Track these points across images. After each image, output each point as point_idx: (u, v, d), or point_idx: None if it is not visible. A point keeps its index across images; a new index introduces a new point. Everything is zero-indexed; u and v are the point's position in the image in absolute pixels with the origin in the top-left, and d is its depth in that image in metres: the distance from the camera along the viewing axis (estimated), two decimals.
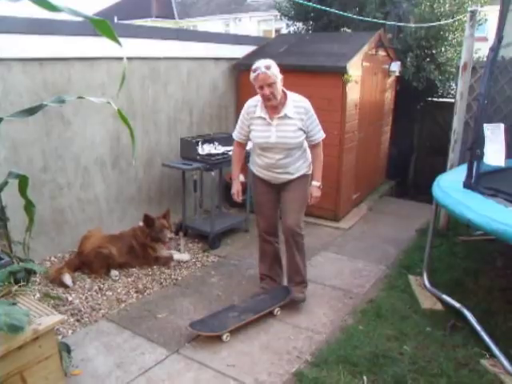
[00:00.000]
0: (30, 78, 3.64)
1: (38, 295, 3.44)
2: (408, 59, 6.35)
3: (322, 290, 3.84)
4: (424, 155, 7.52)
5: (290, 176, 3.42)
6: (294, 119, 3.25)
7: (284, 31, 8.57)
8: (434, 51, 6.44)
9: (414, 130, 7.70)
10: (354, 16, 5.79)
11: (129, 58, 4.39)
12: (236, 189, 3.57)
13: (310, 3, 6.34)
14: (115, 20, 16.01)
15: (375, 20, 5.77)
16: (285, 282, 3.73)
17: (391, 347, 3.05)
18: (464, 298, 3.54)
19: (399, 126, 7.11)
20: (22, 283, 2.43)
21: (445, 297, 3.61)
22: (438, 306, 3.57)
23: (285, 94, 3.30)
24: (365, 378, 2.74)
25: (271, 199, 3.55)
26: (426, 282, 3.85)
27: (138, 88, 4.56)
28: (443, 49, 6.45)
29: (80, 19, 2.02)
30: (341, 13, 5.57)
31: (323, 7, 5.72)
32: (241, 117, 3.43)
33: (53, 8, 1.67)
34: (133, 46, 4.38)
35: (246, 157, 3.72)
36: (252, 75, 3.18)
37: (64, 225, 4.14)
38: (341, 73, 4.83)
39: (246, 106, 3.41)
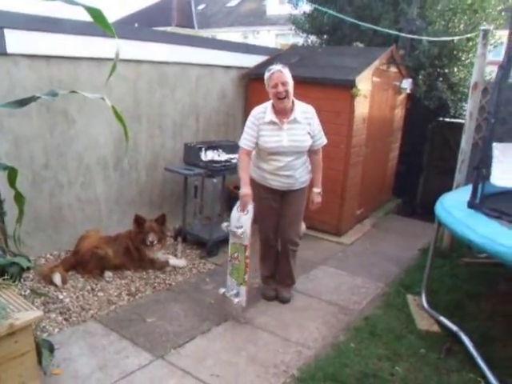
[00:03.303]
0: (36, 74, 3.65)
1: (28, 291, 3.41)
2: (420, 77, 6.29)
3: (317, 304, 3.75)
4: (433, 175, 7.40)
5: (295, 182, 3.45)
6: (302, 123, 3.34)
7: None
8: (446, 70, 6.37)
9: (424, 149, 7.60)
10: (367, 24, 5.75)
11: (137, 61, 4.41)
12: (247, 191, 3.33)
13: (326, 14, 6.34)
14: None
15: (389, 31, 5.73)
16: None
17: (382, 367, 2.94)
18: (463, 322, 3.42)
19: (409, 144, 7.02)
20: (5, 277, 2.39)
21: (442, 319, 3.50)
22: (435, 328, 3.45)
23: (292, 101, 3.36)
24: None
25: (274, 207, 3.58)
26: (424, 303, 3.74)
27: (145, 91, 4.56)
28: (456, 69, 6.39)
29: (87, 19, 2.01)
30: (355, 21, 5.54)
31: (338, 15, 5.70)
32: (248, 124, 3.39)
33: None
34: (142, 50, 4.39)
35: None
36: (266, 74, 3.27)
37: (62, 223, 4.12)
38: (349, 86, 4.78)
39: (253, 112, 3.41)
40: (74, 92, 2.26)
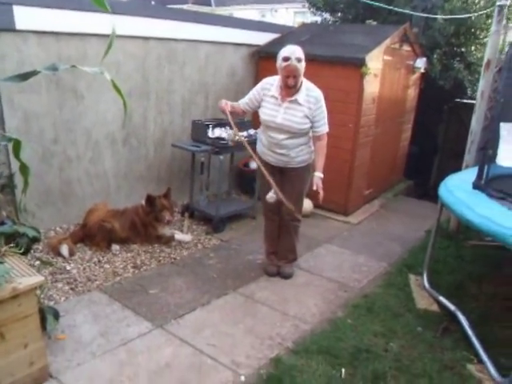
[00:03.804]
0: (45, 50, 3.72)
1: (38, 262, 3.55)
2: (435, 56, 6.17)
3: (318, 281, 3.81)
4: (448, 157, 7.30)
5: (290, 160, 3.48)
6: (302, 106, 3.35)
7: None
8: (463, 49, 6.23)
9: (439, 131, 7.49)
10: (381, 4, 5.65)
11: (145, 38, 4.45)
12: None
13: None
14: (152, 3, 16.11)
15: (403, 11, 5.62)
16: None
17: (377, 343, 3.00)
18: (462, 302, 3.45)
19: (423, 125, 6.92)
20: (11, 245, 2.50)
21: (441, 298, 3.53)
22: (434, 308, 3.49)
23: (301, 82, 3.36)
24: (343, 370, 2.71)
25: (274, 180, 3.58)
26: (425, 282, 3.77)
27: (153, 68, 4.60)
28: (473, 47, 6.25)
29: None
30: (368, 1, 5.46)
31: None
32: (254, 90, 3.54)
33: None
34: (150, 26, 4.42)
35: (255, 142, 3.77)
36: (282, 63, 3.23)
37: (71, 197, 4.24)
38: (359, 65, 4.73)
39: (263, 81, 3.52)
40: (73, 67, 2.31)
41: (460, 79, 6.30)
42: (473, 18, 6.03)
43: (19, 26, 3.52)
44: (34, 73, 2.14)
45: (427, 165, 7.58)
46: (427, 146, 7.38)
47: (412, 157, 6.99)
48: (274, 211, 3.75)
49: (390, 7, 5.73)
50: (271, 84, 3.45)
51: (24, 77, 2.15)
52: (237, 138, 4.15)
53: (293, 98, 3.33)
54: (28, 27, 3.58)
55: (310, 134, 3.47)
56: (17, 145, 2.30)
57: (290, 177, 3.55)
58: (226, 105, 3.49)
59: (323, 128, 3.41)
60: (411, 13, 5.72)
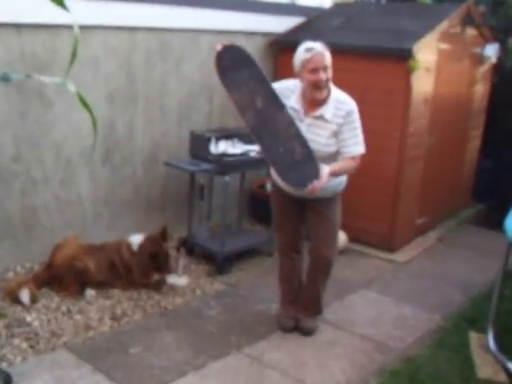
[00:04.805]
0: (4, 47, 3.92)
1: None
2: (511, 41, 6.18)
3: (347, 338, 3.84)
4: None
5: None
6: (330, 123, 3.38)
7: None
8: None
9: None
10: None
11: (131, 28, 4.64)
12: None
13: None
14: None
15: None
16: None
17: None
18: None
19: (498, 131, 6.91)
20: None
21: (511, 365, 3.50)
22: (501, 378, 3.47)
23: (328, 90, 3.40)
24: None
25: (292, 212, 3.71)
26: (491, 343, 3.75)
27: (141, 65, 4.79)
28: None
29: None
30: None
31: None
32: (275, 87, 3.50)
33: None
34: (137, 13, 4.62)
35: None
36: (304, 55, 3.28)
37: (36, 228, 4.42)
38: (405, 57, 4.80)
39: (281, 85, 3.54)
40: (28, 76, 2.46)
41: None
42: None
43: None
44: None
45: (507, 183, 7.50)
46: (506, 157, 7.32)
47: (483, 173, 6.96)
48: (293, 246, 3.82)
49: None
50: (291, 91, 3.49)
51: None
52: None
53: (317, 114, 3.39)
54: None
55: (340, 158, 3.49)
56: None
57: (314, 209, 3.61)
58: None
59: (355, 148, 3.42)
60: None
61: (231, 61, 3.40)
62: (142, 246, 4.34)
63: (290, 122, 3.31)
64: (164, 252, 4.40)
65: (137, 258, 4.32)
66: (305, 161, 3.27)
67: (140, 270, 4.31)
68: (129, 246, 4.36)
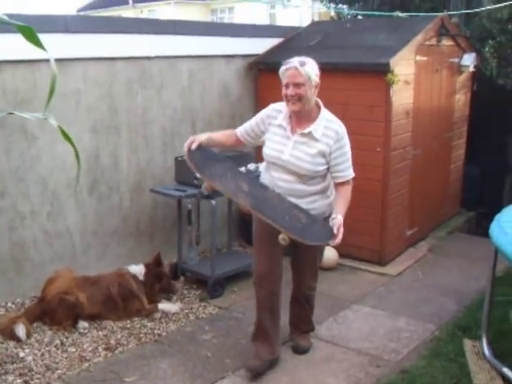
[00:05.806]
0: None
1: None
2: (487, 49, 6.33)
3: (342, 354, 3.89)
4: None
5: None
6: (319, 142, 3.38)
7: None
8: None
9: (509, 143, 7.56)
10: None
11: (111, 59, 4.76)
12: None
13: None
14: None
15: None
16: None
17: None
18: None
19: (482, 138, 7.04)
20: None
21: (506, 370, 3.55)
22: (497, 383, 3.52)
23: (318, 109, 3.47)
24: None
25: (273, 235, 3.44)
26: (486, 350, 3.80)
27: (123, 95, 4.90)
28: None
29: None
30: None
31: None
32: (257, 116, 3.63)
33: None
34: (115, 44, 4.75)
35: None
36: (281, 69, 3.38)
37: (26, 263, 4.47)
38: (383, 72, 4.93)
39: (269, 107, 3.62)
40: (11, 113, 2.55)
41: None
42: None
43: None
44: None
45: (495, 189, 7.61)
46: (492, 164, 7.45)
47: (471, 181, 7.08)
48: (268, 277, 3.62)
49: None
50: (279, 111, 3.53)
51: None
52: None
53: (305, 131, 3.39)
54: None
55: (328, 179, 3.52)
56: None
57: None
58: (192, 141, 3.52)
59: (347, 173, 3.45)
60: None
61: (202, 159, 3.56)
62: (146, 274, 4.52)
63: (280, 198, 3.41)
64: (166, 274, 4.62)
65: (145, 287, 4.49)
66: (312, 223, 3.37)
67: (149, 298, 4.48)
68: (135, 277, 4.48)
